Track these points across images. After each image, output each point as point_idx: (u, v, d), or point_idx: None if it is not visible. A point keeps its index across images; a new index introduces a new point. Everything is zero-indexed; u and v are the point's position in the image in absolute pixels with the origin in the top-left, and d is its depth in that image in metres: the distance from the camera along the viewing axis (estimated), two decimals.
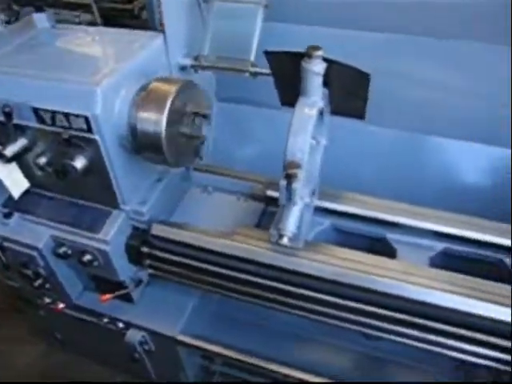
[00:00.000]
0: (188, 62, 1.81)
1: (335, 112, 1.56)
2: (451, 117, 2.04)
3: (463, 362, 1.93)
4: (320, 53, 1.25)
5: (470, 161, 2.14)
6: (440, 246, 1.69)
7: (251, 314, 2.09)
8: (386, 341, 1.75)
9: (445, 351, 1.61)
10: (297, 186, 1.26)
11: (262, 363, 1.94)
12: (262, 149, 2.27)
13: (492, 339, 1.50)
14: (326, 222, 1.78)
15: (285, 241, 1.36)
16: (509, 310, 1.41)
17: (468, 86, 2.00)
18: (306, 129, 1.29)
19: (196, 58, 1.81)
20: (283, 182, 1.28)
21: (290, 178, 1.25)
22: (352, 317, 1.64)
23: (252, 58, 1.75)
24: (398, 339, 1.67)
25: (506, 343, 1.48)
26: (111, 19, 2.45)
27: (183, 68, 1.82)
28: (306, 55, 1.26)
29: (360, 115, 1.55)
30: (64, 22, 2.11)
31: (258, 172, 1.92)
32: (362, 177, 2.11)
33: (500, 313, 1.42)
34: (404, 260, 1.64)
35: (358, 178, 2.07)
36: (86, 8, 2.44)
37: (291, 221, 1.36)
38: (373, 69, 1.96)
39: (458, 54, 1.91)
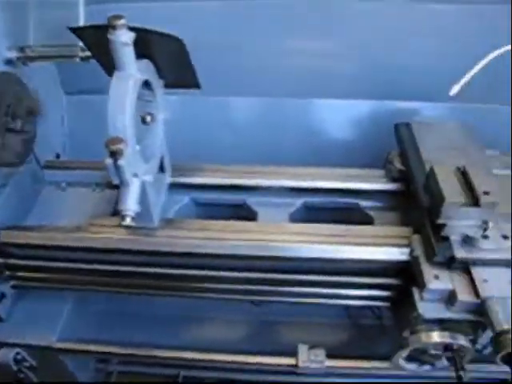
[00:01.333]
0: (13, 54, 1.68)
1: (168, 85, 1.53)
2: (312, 77, 2.07)
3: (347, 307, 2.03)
4: (123, 21, 1.20)
5: (335, 117, 2.20)
6: (299, 201, 1.72)
7: (137, 305, 2.03)
8: (275, 304, 1.78)
9: (325, 301, 1.66)
10: (123, 162, 1.21)
11: (156, 352, 1.88)
12: None
13: (364, 280, 1.56)
14: (186, 197, 1.75)
15: (128, 221, 1.30)
16: (371, 248, 1.47)
17: (323, 46, 2.05)
18: (124, 103, 1.24)
19: (21, 50, 1.69)
20: (109, 161, 1.22)
21: (114, 154, 1.20)
22: (226, 286, 1.64)
23: (81, 42, 1.66)
24: (279, 299, 1.70)
25: (377, 280, 1.55)
26: None
27: (9, 61, 1.68)
28: (110, 26, 1.20)
29: (194, 85, 1.52)
30: None
31: None
32: (225, 148, 2.10)
33: (364, 252, 1.47)
34: (264, 221, 1.65)
35: (221, 149, 2.06)
36: None
37: (130, 199, 1.30)
38: (224, 39, 1.99)
39: (305, 14, 1.93)
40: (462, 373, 1.31)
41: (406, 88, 1.98)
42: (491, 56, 1.40)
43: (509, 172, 1.49)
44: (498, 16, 1.77)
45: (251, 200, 1.73)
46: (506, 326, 1.18)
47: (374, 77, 2.02)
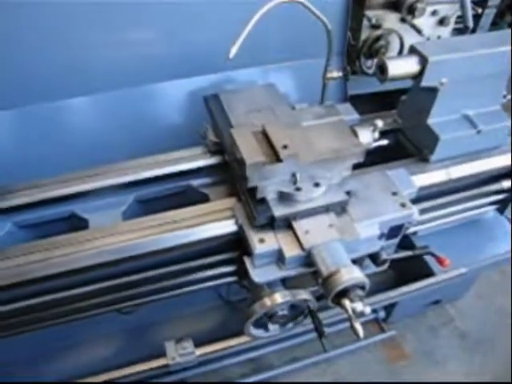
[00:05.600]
0: None
1: None
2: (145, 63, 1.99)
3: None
4: None
5: (175, 97, 2.12)
6: (130, 197, 1.63)
7: None
8: (141, 306, 1.68)
9: (180, 291, 1.60)
10: None
11: None
12: None
13: (210, 259, 1.52)
14: (7, 224, 1.58)
15: None
16: (201, 227, 1.42)
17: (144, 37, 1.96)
18: None
19: None
20: None
21: None
22: (81, 304, 1.53)
23: None
24: (141, 300, 1.61)
25: (220, 257, 1.52)
26: None
27: None
28: None
29: None
30: None
31: None
32: (47, 161, 1.93)
33: (197, 233, 1.43)
34: (96, 226, 1.53)
35: (42, 163, 1.90)
36: None
37: None
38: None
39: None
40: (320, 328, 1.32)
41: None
42: (257, 16, 1.40)
43: (319, 122, 1.51)
44: None
45: (79, 208, 1.60)
46: (333, 269, 1.20)
47: (189, 55, 1.98)
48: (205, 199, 1.62)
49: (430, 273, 1.97)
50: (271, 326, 1.44)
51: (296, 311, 1.43)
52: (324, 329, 1.37)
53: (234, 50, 1.41)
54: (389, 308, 2.34)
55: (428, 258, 1.92)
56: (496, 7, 2.37)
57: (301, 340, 2.23)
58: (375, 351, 2.41)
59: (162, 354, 1.68)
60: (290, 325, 1.51)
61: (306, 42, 2.06)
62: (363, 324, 2.36)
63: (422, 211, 1.73)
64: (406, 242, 1.88)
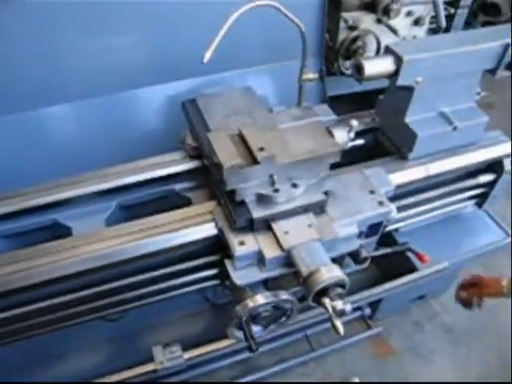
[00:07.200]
0: None
1: None
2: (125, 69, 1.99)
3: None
4: None
5: (155, 102, 2.12)
6: (113, 203, 1.63)
7: None
8: (128, 313, 1.68)
9: (170, 293, 1.60)
10: None
11: None
12: None
13: (192, 263, 1.53)
14: None
15: None
16: (182, 232, 1.43)
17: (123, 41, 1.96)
18: None
19: None
20: None
21: None
22: (66, 312, 1.52)
23: None
24: (126, 306, 1.61)
25: (202, 261, 1.53)
26: None
27: None
28: None
29: None
30: None
31: None
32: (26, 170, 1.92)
33: (178, 238, 1.44)
34: (79, 234, 1.53)
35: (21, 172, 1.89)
36: None
37: None
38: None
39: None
40: (251, 341, 1.33)
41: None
42: (231, 20, 1.41)
43: (295, 123, 1.52)
44: None
45: (62, 216, 1.60)
46: (313, 268, 1.21)
47: (167, 60, 1.99)
48: (188, 203, 1.63)
49: (413, 268, 2.00)
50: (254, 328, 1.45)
51: (279, 312, 1.44)
52: (255, 344, 1.36)
53: (208, 55, 1.42)
54: (374, 305, 2.37)
55: (410, 254, 1.95)
56: (468, 7, 2.43)
57: (289, 340, 2.25)
58: (362, 348, 2.44)
59: (150, 359, 1.68)
60: (273, 326, 1.52)
61: (285, 45, 2.07)
62: (349, 322, 2.41)
63: (403, 208, 1.76)
64: (388, 239, 1.90)
